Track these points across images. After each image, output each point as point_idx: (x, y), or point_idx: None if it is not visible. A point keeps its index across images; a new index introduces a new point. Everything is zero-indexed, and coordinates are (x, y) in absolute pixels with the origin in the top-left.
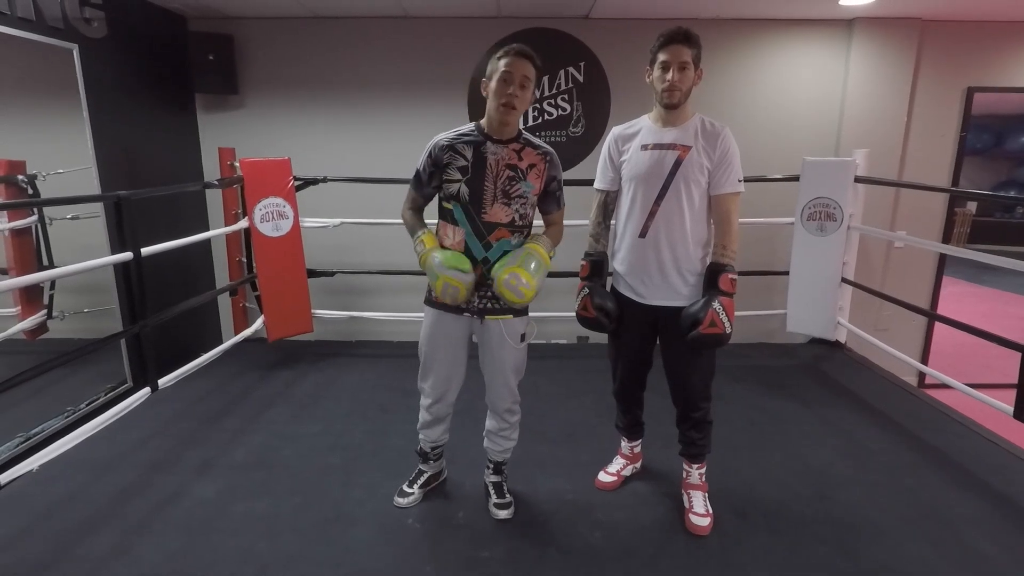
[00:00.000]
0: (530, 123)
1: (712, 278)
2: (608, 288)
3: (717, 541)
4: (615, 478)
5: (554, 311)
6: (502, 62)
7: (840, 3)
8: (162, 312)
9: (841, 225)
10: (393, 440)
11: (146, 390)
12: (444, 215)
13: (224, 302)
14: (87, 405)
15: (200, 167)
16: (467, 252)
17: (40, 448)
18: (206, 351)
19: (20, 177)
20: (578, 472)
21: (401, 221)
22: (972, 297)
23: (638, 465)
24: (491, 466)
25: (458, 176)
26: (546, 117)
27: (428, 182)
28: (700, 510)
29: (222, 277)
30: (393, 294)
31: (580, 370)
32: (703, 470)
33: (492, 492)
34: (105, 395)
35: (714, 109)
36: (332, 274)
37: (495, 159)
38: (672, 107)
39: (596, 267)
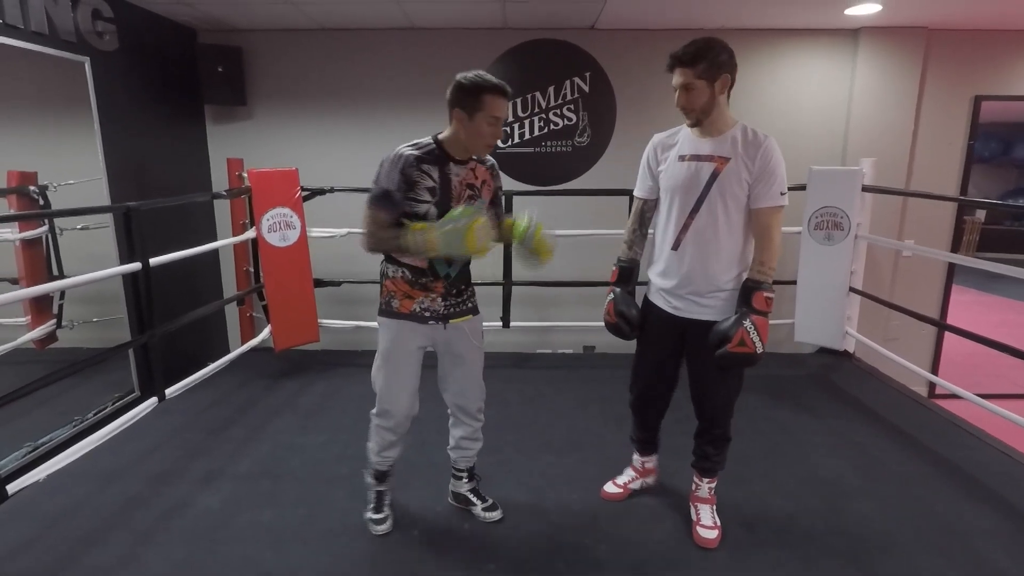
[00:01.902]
0: (536, 133)
1: (746, 295)
2: (643, 296)
3: (726, 554)
4: (621, 490)
5: (561, 320)
6: (491, 102)
7: (846, 12)
8: (170, 322)
9: (848, 234)
10: (408, 452)
11: (153, 400)
12: None
13: (231, 312)
14: (94, 415)
15: (209, 178)
16: (431, 269)
17: (47, 458)
18: (213, 360)
19: (32, 188)
20: (584, 483)
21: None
22: (982, 306)
23: (649, 480)
24: (464, 475)
25: (427, 197)
26: (552, 127)
27: (402, 200)
28: (708, 523)
29: (229, 287)
30: None
31: (586, 380)
32: (713, 484)
33: (475, 499)
34: (112, 404)
35: None
36: (339, 284)
37: (458, 180)
38: (695, 126)
39: (625, 273)
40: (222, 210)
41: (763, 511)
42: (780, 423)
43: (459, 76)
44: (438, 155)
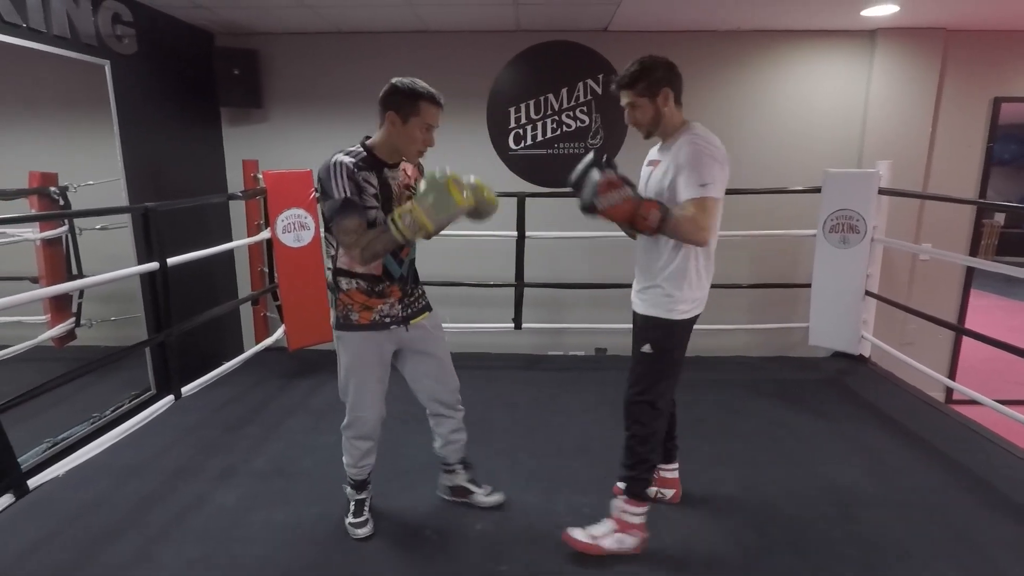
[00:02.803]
0: (549, 135)
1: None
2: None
3: (740, 559)
4: None
5: (573, 323)
6: (426, 110)
7: (862, 14)
8: (186, 321)
9: (864, 237)
10: (410, 451)
11: (170, 398)
12: None
13: (245, 311)
14: (112, 412)
15: (224, 179)
16: (386, 274)
17: (66, 453)
18: (227, 360)
19: (52, 189)
20: (595, 486)
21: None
22: (1001, 311)
23: (667, 493)
24: (458, 467)
25: (373, 203)
26: (564, 129)
27: (362, 204)
28: (596, 531)
29: (244, 287)
30: None
31: (598, 382)
32: (622, 503)
33: (474, 488)
34: (129, 402)
35: (733, 121)
36: None
37: (396, 184)
38: (648, 138)
39: None
40: (237, 211)
41: (775, 516)
42: (793, 428)
43: (395, 80)
44: (371, 161)
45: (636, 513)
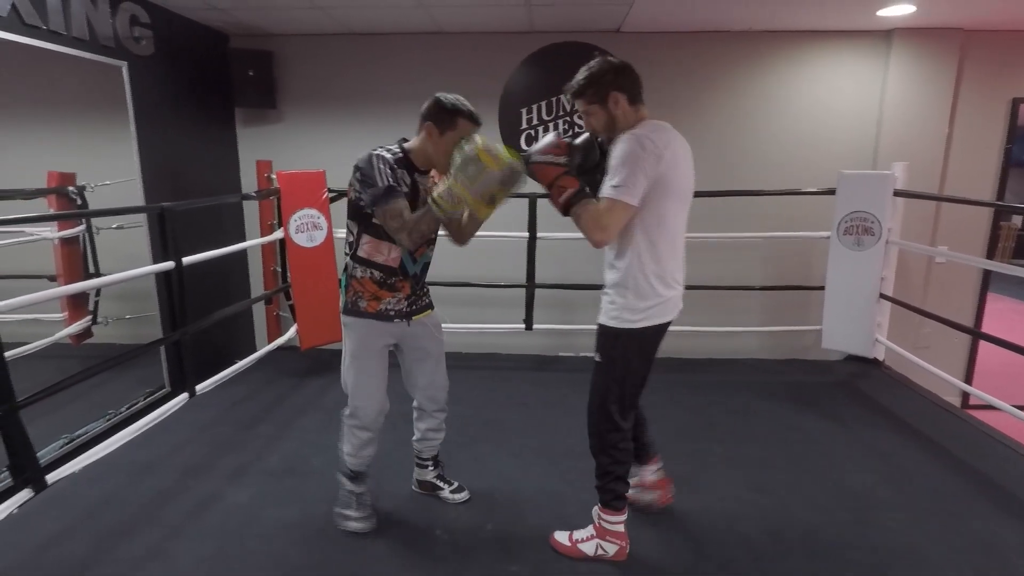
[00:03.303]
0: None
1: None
2: None
3: (752, 562)
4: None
5: (583, 324)
6: (464, 126)
7: (878, 14)
8: (201, 320)
9: (879, 240)
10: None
11: (184, 395)
12: (379, 233)
13: (258, 310)
14: (127, 409)
15: (238, 179)
16: (401, 268)
17: (83, 449)
18: (240, 358)
19: (70, 189)
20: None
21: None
22: (1019, 314)
23: (648, 496)
24: (429, 463)
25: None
26: (577, 130)
27: (402, 193)
28: (578, 535)
29: (257, 286)
30: None
31: None
32: (600, 513)
33: (442, 484)
34: (144, 399)
35: (747, 122)
36: None
37: (424, 188)
38: (610, 142)
39: None
40: (251, 211)
41: (788, 521)
42: (806, 431)
43: (439, 94)
44: (406, 163)
45: (612, 521)
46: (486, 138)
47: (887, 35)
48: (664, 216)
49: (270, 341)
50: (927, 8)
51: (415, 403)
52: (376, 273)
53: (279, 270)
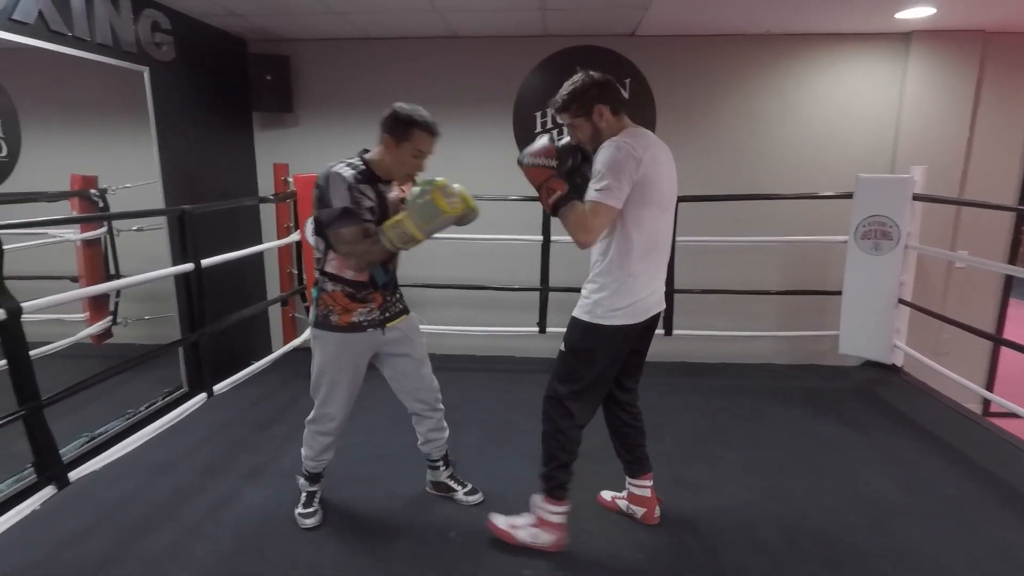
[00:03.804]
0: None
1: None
2: None
3: (768, 568)
4: (609, 500)
5: None
6: (418, 137)
7: (896, 16)
8: (219, 321)
9: (898, 244)
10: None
11: (202, 396)
12: None
13: (274, 312)
14: (146, 408)
15: (255, 182)
16: (371, 281)
17: (103, 448)
18: (256, 359)
19: (93, 191)
20: (620, 491)
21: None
22: None
23: (636, 511)
24: (440, 463)
25: (369, 216)
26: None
27: (359, 214)
28: (516, 520)
29: (273, 288)
30: (436, 307)
31: None
32: (540, 501)
33: (455, 486)
34: (163, 399)
35: (763, 125)
36: None
37: (391, 198)
38: (594, 152)
39: None
40: (267, 213)
41: (804, 526)
42: (823, 438)
43: (396, 105)
44: (368, 175)
45: (552, 511)
46: (444, 181)
47: (906, 37)
48: (643, 219)
49: (286, 343)
50: (947, 10)
51: (408, 410)
52: (347, 288)
53: (295, 272)
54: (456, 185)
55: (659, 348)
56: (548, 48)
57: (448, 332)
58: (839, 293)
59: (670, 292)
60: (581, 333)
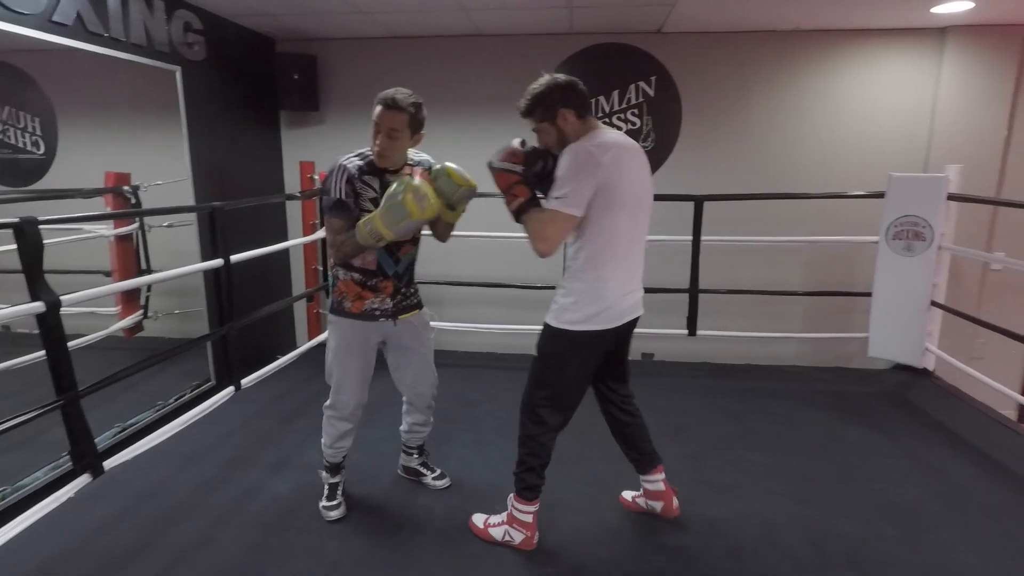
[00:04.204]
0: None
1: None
2: None
3: (792, 573)
4: (630, 500)
5: None
6: (375, 111)
7: (931, 11)
8: (247, 316)
9: (931, 245)
10: (456, 449)
11: (230, 389)
12: None
13: (299, 308)
14: (175, 400)
15: (282, 179)
16: (379, 269)
17: (134, 438)
18: (281, 354)
19: (125, 188)
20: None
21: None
22: None
23: (655, 505)
24: (415, 451)
25: (371, 208)
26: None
27: (355, 207)
28: (493, 519)
29: (298, 284)
30: (459, 305)
31: (644, 388)
32: (513, 501)
33: (424, 471)
34: (191, 392)
35: (793, 123)
36: None
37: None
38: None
39: None
40: (293, 210)
41: (831, 533)
42: (850, 443)
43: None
44: (374, 167)
45: (522, 510)
46: (419, 183)
47: (941, 33)
48: (612, 223)
49: (310, 338)
50: (985, 5)
51: (404, 398)
52: (356, 275)
53: (320, 269)
54: (445, 164)
55: (683, 348)
56: (573, 46)
57: (467, 329)
58: (868, 295)
59: (694, 292)
60: (549, 339)
